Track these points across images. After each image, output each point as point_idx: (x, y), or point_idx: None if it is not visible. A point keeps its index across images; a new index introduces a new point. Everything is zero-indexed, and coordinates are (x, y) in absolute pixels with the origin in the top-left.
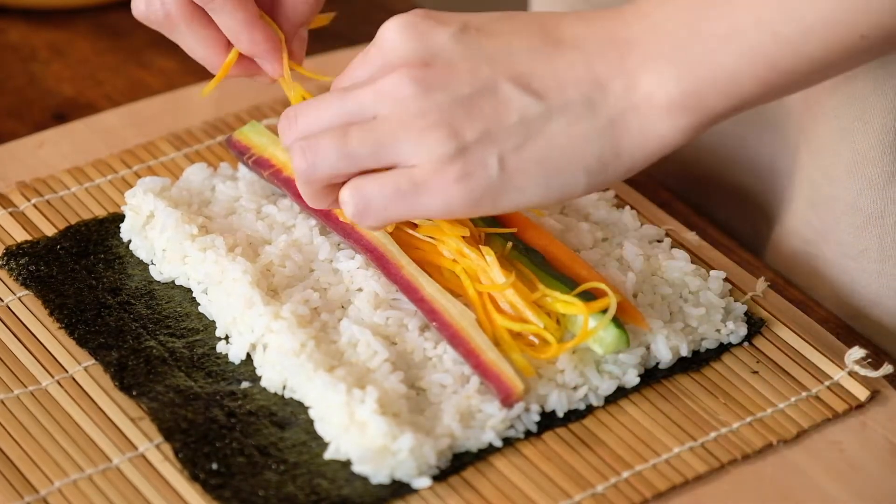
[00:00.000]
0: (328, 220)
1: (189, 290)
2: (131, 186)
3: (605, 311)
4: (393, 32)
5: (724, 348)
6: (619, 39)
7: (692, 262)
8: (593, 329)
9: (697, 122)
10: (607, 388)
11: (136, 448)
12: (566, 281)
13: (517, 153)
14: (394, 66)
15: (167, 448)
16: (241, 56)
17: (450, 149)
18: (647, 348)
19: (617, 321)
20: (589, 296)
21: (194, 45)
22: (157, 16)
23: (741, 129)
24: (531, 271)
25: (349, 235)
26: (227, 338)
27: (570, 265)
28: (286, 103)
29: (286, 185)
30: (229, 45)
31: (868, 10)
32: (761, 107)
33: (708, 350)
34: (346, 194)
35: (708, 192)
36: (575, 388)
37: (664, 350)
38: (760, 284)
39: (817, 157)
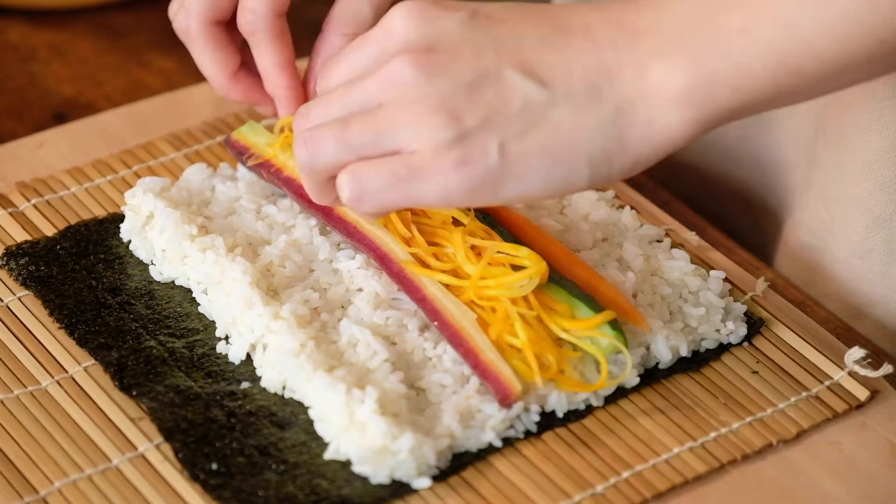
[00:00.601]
0: (329, 220)
1: (189, 291)
2: (131, 186)
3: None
4: (399, 17)
5: (723, 348)
6: (631, 28)
7: (692, 262)
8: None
9: (705, 116)
10: (607, 388)
11: (135, 448)
12: (588, 301)
13: (519, 140)
14: (397, 52)
15: (167, 448)
16: (245, 77)
17: (449, 134)
18: (647, 348)
19: (615, 322)
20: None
21: (206, 62)
22: (180, 26)
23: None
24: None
25: (351, 235)
26: (226, 338)
27: (569, 265)
28: None
29: (286, 184)
30: (239, 68)
31: (890, 14)
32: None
33: (708, 350)
34: (342, 179)
35: (713, 187)
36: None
37: (664, 350)
38: (760, 284)
39: (833, 150)
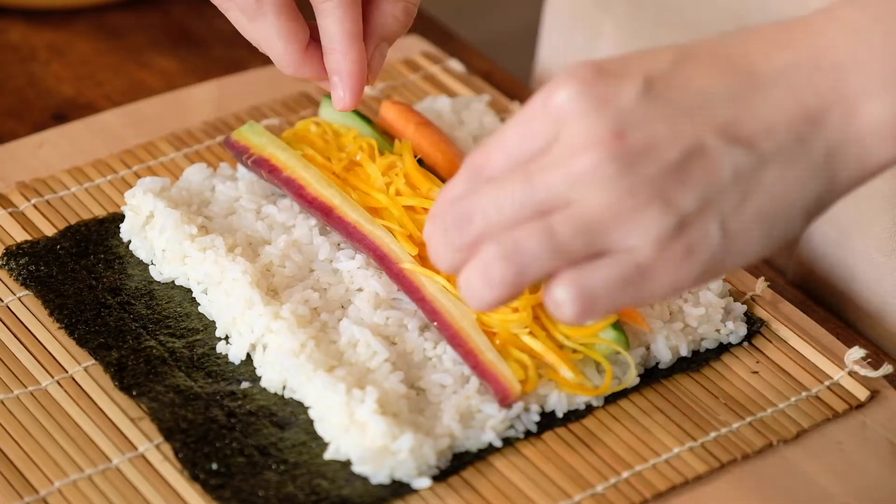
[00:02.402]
0: (329, 220)
1: (189, 291)
2: (131, 186)
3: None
4: (567, 100)
5: (723, 348)
6: (828, 64)
7: None
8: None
9: None
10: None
11: (136, 448)
12: None
13: (737, 214)
14: (582, 145)
15: (167, 448)
16: (315, 51)
17: (669, 224)
18: (647, 348)
19: (616, 323)
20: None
21: (279, 37)
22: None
23: None
24: None
25: (351, 235)
26: (227, 338)
27: None
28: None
29: (286, 184)
30: (309, 45)
31: None
32: None
33: (708, 350)
34: (563, 294)
35: None
36: None
37: (664, 350)
38: (760, 284)
39: None
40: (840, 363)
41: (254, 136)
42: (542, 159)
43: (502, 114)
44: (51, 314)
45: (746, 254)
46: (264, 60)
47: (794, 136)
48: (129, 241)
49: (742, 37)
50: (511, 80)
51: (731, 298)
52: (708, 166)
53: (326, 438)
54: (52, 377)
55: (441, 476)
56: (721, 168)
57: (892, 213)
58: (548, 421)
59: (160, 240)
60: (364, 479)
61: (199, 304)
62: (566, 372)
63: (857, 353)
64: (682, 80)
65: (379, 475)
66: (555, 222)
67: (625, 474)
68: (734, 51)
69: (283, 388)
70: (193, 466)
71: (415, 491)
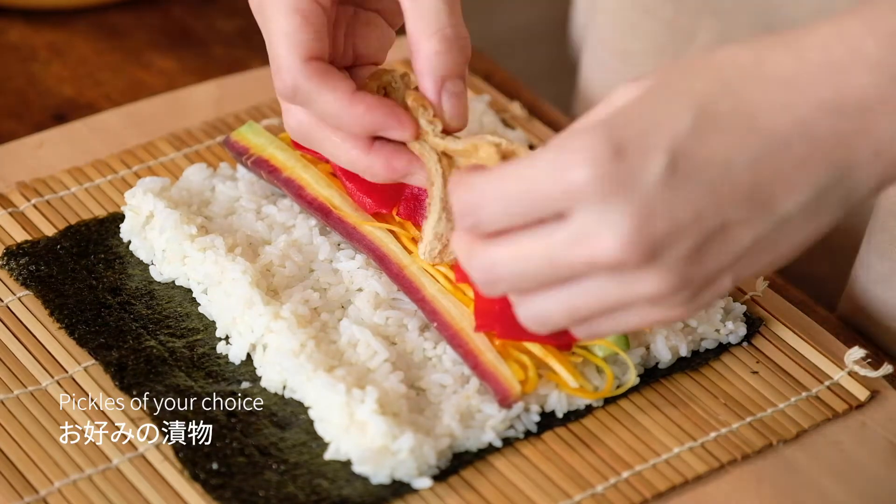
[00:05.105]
0: (329, 220)
1: (189, 291)
2: (131, 186)
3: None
4: (586, 184)
5: (723, 348)
6: (852, 107)
7: None
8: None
9: None
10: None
11: (135, 448)
12: None
13: (751, 266)
14: (605, 235)
15: (167, 448)
16: (375, 144)
17: (683, 298)
18: (647, 348)
19: None
20: None
21: (339, 145)
22: (303, 126)
23: None
24: None
25: (351, 235)
26: (227, 338)
27: None
28: None
29: (285, 185)
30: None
31: None
32: None
33: (707, 350)
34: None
35: None
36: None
37: (664, 350)
38: (760, 284)
39: None
40: (840, 363)
41: (253, 137)
42: (558, 233)
43: (502, 113)
44: (51, 314)
45: (749, 277)
46: (264, 60)
47: (818, 189)
48: (129, 241)
49: (762, 80)
50: (511, 80)
51: (731, 298)
52: (728, 241)
53: (327, 438)
54: (52, 377)
55: (441, 476)
56: (741, 240)
57: None
58: (548, 421)
59: (160, 240)
60: (364, 479)
61: (199, 304)
62: (568, 377)
63: (857, 353)
64: (705, 152)
65: (379, 475)
66: (577, 299)
67: (625, 474)
68: (757, 108)
69: (283, 388)
70: (193, 466)
71: (415, 491)
